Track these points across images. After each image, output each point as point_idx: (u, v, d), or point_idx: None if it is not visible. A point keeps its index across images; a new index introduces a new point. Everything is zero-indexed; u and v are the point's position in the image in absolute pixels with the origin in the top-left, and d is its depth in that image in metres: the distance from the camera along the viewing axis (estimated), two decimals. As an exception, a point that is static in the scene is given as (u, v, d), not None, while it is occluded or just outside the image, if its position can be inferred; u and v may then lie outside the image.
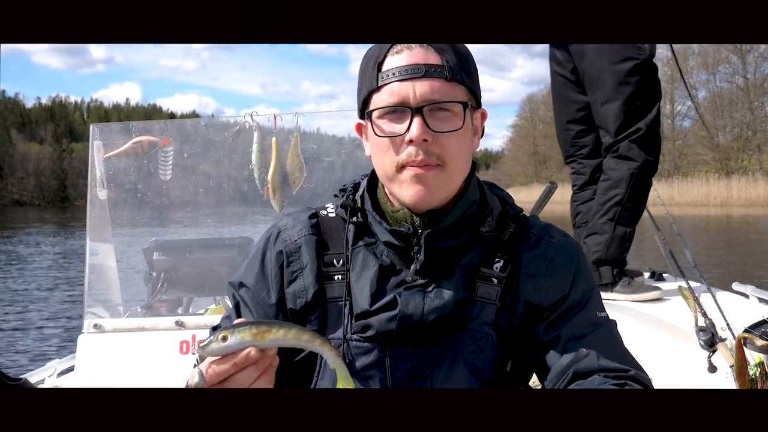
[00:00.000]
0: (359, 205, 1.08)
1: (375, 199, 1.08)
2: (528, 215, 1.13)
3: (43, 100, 77.07)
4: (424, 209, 1.02)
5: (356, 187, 1.11)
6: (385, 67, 0.99)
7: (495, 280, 1.04)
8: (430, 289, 1.02)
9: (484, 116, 1.08)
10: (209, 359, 0.85)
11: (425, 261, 1.02)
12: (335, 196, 1.13)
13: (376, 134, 1.00)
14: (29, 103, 74.87)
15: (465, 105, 1.00)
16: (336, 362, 0.91)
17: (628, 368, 1.01)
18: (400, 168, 0.99)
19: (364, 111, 1.04)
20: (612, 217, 2.74)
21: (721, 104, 37.06)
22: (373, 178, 1.11)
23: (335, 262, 1.07)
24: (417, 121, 0.96)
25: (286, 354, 1.03)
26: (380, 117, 1.00)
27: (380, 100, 0.99)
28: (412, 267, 1.03)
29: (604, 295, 2.70)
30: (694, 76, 38.40)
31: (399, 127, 0.98)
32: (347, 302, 1.04)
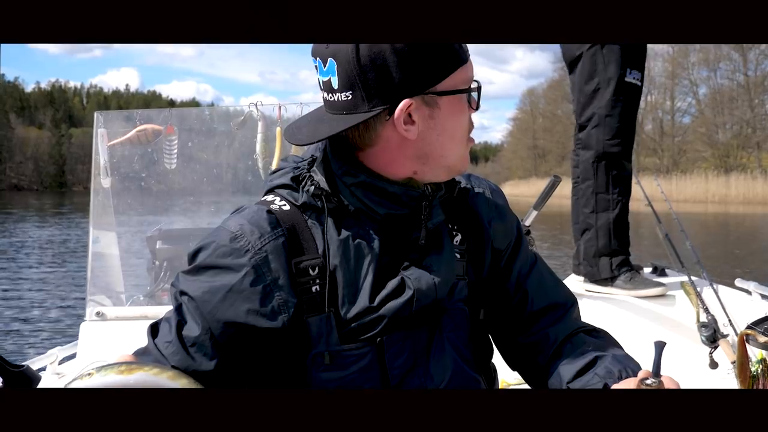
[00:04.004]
0: (328, 190, 0.98)
1: (366, 174, 0.99)
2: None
3: (43, 85, 76.87)
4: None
5: (309, 171, 1.01)
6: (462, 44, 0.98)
7: (458, 255, 1.05)
8: (426, 261, 1.00)
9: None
10: None
11: (430, 227, 1.01)
12: (281, 188, 1.02)
13: (473, 108, 1.01)
14: (28, 88, 74.74)
15: None
16: None
17: (571, 299, 1.14)
18: (468, 140, 1.03)
19: (427, 88, 0.95)
20: (592, 209, 2.73)
21: (722, 101, 37.02)
22: (336, 157, 1.00)
23: (310, 270, 0.96)
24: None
25: (264, 369, 0.99)
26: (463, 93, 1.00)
27: (469, 74, 0.99)
28: (423, 232, 1.01)
29: (604, 289, 2.71)
30: (695, 73, 38.41)
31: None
32: (331, 313, 0.96)
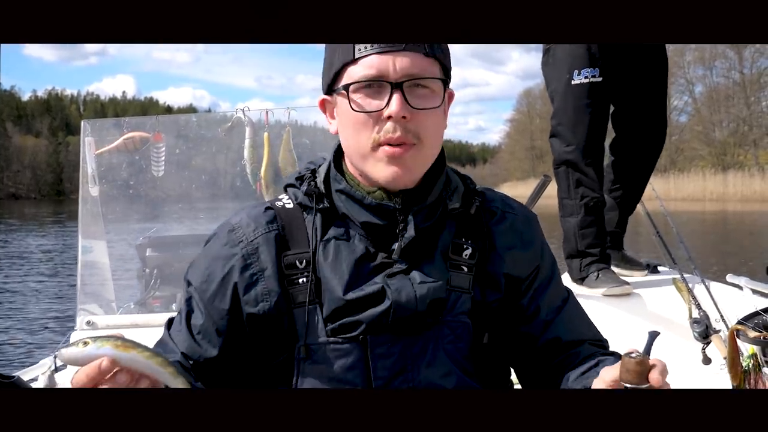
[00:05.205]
0: (323, 191, 1.02)
1: (346, 182, 1.02)
2: (484, 189, 1.13)
3: (39, 93, 76.84)
4: (398, 188, 1.00)
5: (313, 173, 1.06)
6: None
7: (465, 268, 1.03)
8: (414, 274, 0.99)
9: (451, 97, 1.05)
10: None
11: (410, 241, 0.99)
12: (289, 186, 1.07)
13: (352, 109, 0.96)
14: (25, 96, 74.65)
15: (444, 82, 0.99)
16: None
17: (602, 338, 1.12)
18: (376, 146, 0.96)
19: (332, 86, 1.01)
20: (562, 214, 2.79)
21: (718, 99, 37.11)
22: (337, 159, 1.05)
23: (297, 263, 1.00)
24: (397, 96, 0.94)
25: (262, 358, 1.03)
26: (356, 91, 0.96)
27: (356, 73, 0.96)
28: (397, 245, 0.99)
29: (578, 288, 2.74)
30: (691, 71, 38.50)
31: (376, 103, 0.96)
32: (317, 304, 0.99)
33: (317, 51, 1.04)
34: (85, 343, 0.80)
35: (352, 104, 0.96)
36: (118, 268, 2.77)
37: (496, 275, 1.05)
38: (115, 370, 0.80)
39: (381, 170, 0.97)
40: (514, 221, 1.09)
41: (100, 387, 0.81)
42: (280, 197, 1.07)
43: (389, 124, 0.95)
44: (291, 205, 1.04)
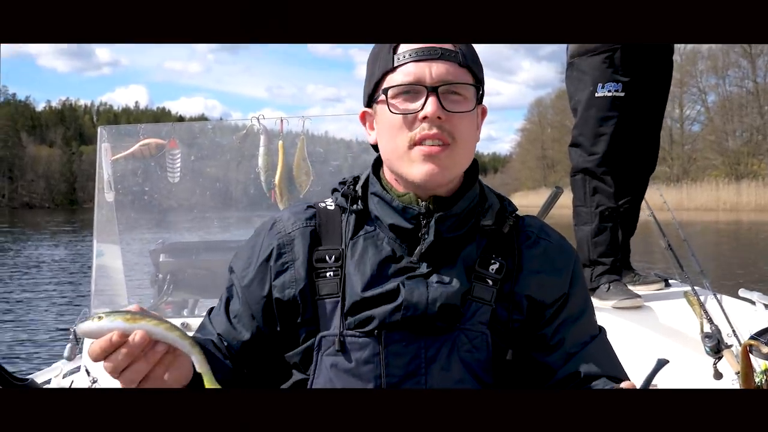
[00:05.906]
0: (359, 195, 1.10)
1: (380, 184, 1.09)
2: (523, 215, 1.16)
3: (53, 104, 77.74)
4: (431, 189, 1.05)
5: (356, 179, 1.13)
6: (401, 49, 1.03)
7: (490, 282, 1.05)
8: (433, 278, 1.03)
9: (484, 112, 1.12)
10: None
11: (431, 246, 1.03)
12: (334, 190, 1.14)
13: (391, 112, 1.03)
14: (39, 107, 75.58)
15: (477, 88, 1.05)
16: (203, 367, 0.88)
17: (625, 377, 1.07)
18: (412, 145, 1.02)
19: (372, 97, 1.08)
20: (576, 222, 2.79)
21: (731, 108, 36.84)
22: (376, 166, 1.12)
23: (327, 258, 1.06)
24: (432, 99, 1.00)
25: (286, 345, 1.08)
26: (394, 96, 1.03)
27: (395, 79, 1.03)
28: (418, 249, 1.04)
29: None
30: (704, 80, 38.28)
31: (413, 106, 1.02)
32: (340, 298, 1.04)
33: (327, 61, 1.09)
34: (99, 318, 0.86)
35: (390, 107, 1.03)
36: (131, 273, 2.79)
37: (520, 296, 1.07)
38: (130, 336, 0.85)
39: (417, 169, 1.02)
40: (547, 248, 1.11)
41: (115, 367, 0.85)
42: (325, 199, 1.14)
43: (425, 124, 1.01)
44: (332, 207, 1.11)
